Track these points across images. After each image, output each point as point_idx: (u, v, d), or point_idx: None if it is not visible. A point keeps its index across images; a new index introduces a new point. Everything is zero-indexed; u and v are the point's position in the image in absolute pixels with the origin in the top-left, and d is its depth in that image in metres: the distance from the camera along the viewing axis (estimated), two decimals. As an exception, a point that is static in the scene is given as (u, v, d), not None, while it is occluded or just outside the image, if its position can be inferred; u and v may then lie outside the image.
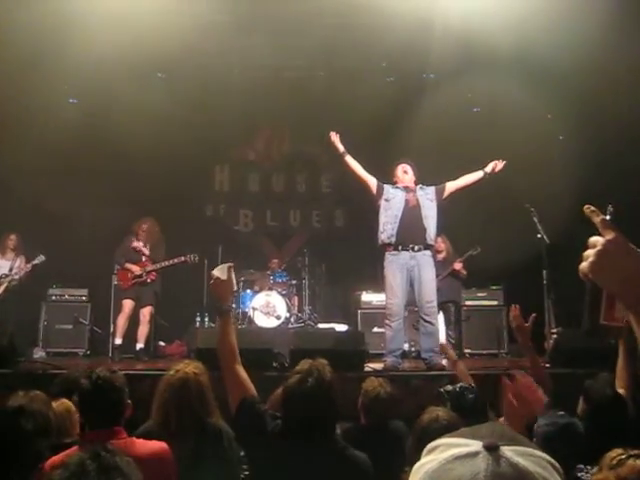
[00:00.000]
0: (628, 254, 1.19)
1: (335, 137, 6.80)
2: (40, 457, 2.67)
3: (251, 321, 8.91)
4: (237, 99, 9.70)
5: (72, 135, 8.90)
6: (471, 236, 8.92)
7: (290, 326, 8.96)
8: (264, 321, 8.87)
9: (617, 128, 8.25)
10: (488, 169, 6.75)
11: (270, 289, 9.23)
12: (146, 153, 8.89)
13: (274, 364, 6.11)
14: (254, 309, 8.94)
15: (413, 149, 8.44)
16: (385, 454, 3.06)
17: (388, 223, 6.58)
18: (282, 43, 8.79)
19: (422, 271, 6.49)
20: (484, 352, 8.63)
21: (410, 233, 6.53)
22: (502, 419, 2.08)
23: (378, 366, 6.36)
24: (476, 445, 0.91)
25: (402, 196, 6.66)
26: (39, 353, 8.28)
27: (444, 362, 6.87)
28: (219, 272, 2.89)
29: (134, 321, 8.14)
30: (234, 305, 8.89)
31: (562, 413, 3.40)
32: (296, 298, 9.58)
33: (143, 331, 8.11)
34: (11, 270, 8.56)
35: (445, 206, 6.87)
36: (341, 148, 6.77)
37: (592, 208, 1.25)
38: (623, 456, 2.06)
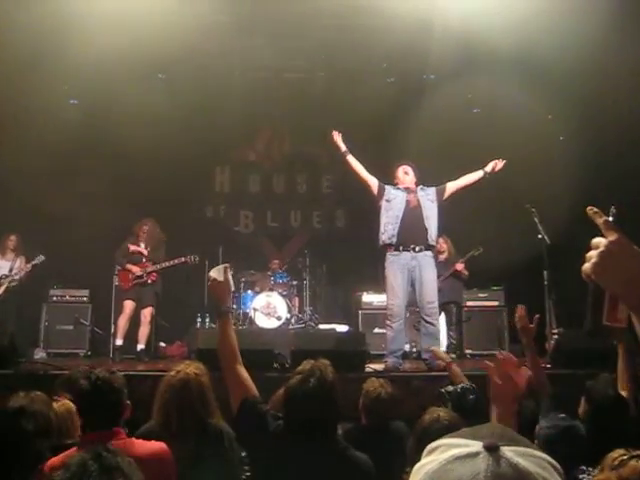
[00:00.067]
0: (631, 255, 1.19)
1: (337, 136, 6.80)
2: (41, 458, 2.67)
3: (252, 322, 8.91)
4: (237, 100, 9.70)
5: (72, 136, 8.91)
6: (472, 237, 8.92)
7: (291, 327, 8.96)
8: (265, 322, 8.87)
9: (618, 129, 8.25)
10: (488, 168, 6.75)
11: (271, 290, 9.23)
12: (146, 154, 8.89)
13: (275, 365, 6.11)
14: (255, 310, 8.94)
15: (413, 150, 8.44)
16: (386, 455, 3.06)
17: (389, 224, 6.58)
18: (282, 44, 8.79)
19: (423, 272, 6.49)
20: (485, 353, 8.60)
21: (411, 234, 6.53)
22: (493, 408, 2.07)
23: (379, 367, 6.36)
24: (476, 445, 0.91)
25: (403, 197, 6.66)
26: (40, 354, 8.28)
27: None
28: (216, 273, 2.89)
29: (135, 322, 8.14)
30: (234, 306, 8.90)
31: (563, 415, 3.40)
32: (297, 299, 9.59)
33: (144, 332, 8.11)
34: (11, 270, 8.57)
35: (447, 207, 6.87)
36: (343, 147, 6.78)
37: (595, 209, 1.25)
38: (625, 457, 2.06)
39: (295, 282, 9.65)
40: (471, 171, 6.84)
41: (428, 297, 6.50)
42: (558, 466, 0.93)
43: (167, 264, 8.25)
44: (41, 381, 4.69)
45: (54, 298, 9.16)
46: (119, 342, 8.06)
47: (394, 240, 6.52)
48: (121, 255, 8.34)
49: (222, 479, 3.13)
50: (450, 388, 3.71)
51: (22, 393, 3.00)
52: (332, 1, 7.96)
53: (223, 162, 11.41)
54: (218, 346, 2.86)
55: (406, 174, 6.89)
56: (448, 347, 8.70)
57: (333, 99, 9.75)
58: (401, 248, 6.52)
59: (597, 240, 1.21)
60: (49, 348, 8.59)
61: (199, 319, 9.37)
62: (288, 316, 9.03)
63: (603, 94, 8.09)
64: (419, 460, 0.97)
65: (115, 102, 8.99)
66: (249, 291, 9.40)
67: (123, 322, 8.08)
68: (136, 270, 8.19)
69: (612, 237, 1.20)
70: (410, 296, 6.63)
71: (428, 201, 6.69)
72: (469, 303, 9.07)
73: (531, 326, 3.95)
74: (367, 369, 6.16)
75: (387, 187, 6.78)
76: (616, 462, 2.06)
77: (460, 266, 8.81)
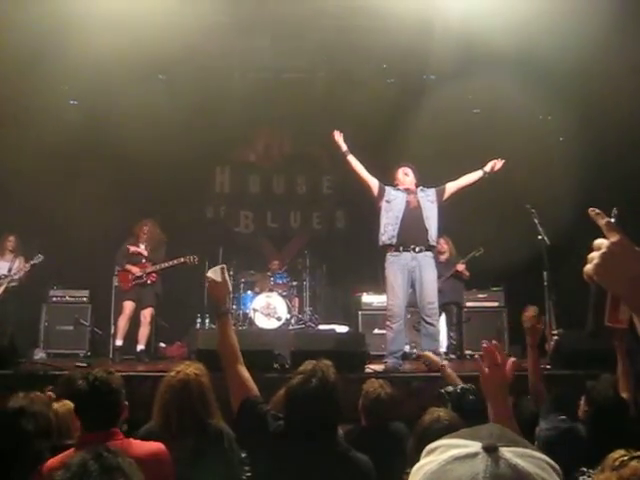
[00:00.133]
0: (633, 256, 1.20)
1: (338, 136, 6.80)
2: (40, 458, 2.67)
3: (252, 322, 8.92)
4: (237, 101, 9.70)
5: (72, 137, 8.91)
6: (472, 237, 8.92)
7: (291, 327, 8.96)
8: (265, 322, 8.87)
9: (619, 130, 8.24)
10: (487, 168, 6.76)
11: (271, 290, 9.24)
12: (146, 155, 8.88)
13: (275, 365, 6.11)
14: (255, 310, 8.94)
15: (413, 150, 8.45)
16: (386, 455, 3.06)
17: (389, 224, 6.58)
18: (282, 45, 8.80)
19: (423, 272, 6.50)
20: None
21: (411, 234, 6.53)
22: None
23: (379, 367, 6.37)
24: (475, 446, 0.91)
25: (403, 198, 6.67)
26: (40, 354, 8.28)
27: (445, 363, 6.87)
28: (213, 274, 2.89)
29: (135, 322, 8.14)
30: (234, 306, 8.91)
31: (564, 417, 3.41)
32: (297, 299, 9.59)
33: (144, 332, 8.11)
34: (10, 271, 8.57)
35: (447, 207, 6.88)
36: (344, 147, 6.78)
37: (597, 211, 1.26)
38: (626, 457, 2.06)
39: (295, 283, 9.66)
40: (471, 171, 6.85)
41: (428, 298, 6.50)
42: (557, 467, 0.93)
43: (166, 265, 8.25)
44: (41, 382, 4.69)
45: (54, 298, 9.16)
46: (119, 343, 8.06)
47: (394, 241, 6.52)
48: (121, 256, 8.34)
49: (222, 479, 3.12)
50: (450, 389, 3.71)
51: (22, 394, 3.00)
52: (332, 2, 7.96)
53: (223, 163, 11.41)
54: (218, 347, 2.86)
55: (406, 175, 6.90)
56: (448, 348, 8.70)
57: (333, 100, 9.74)
58: (401, 249, 6.52)
59: (599, 241, 1.22)
60: (49, 348, 8.59)
61: (199, 320, 9.37)
62: (288, 317, 9.03)
63: (604, 95, 8.08)
64: (419, 460, 0.97)
65: (115, 103, 9.00)
66: (249, 292, 9.40)
67: (123, 323, 8.08)
68: (136, 271, 8.19)
69: (614, 238, 1.20)
70: (410, 297, 6.63)
71: (428, 202, 6.70)
72: (469, 304, 9.08)
73: (539, 326, 3.95)
74: (367, 370, 6.16)
75: (387, 188, 6.78)
76: (617, 463, 2.06)
77: (461, 267, 8.82)
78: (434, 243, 6.71)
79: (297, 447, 2.60)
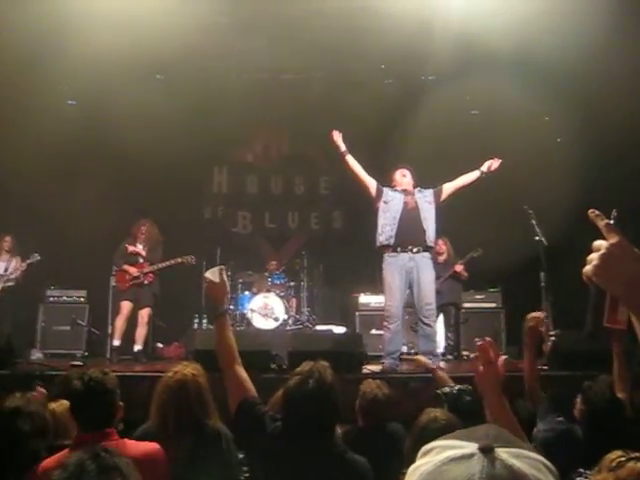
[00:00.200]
0: (632, 258, 1.20)
1: (337, 135, 6.80)
2: (37, 458, 2.67)
3: (249, 323, 8.91)
4: (235, 101, 9.69)
5: (70, 137, 8.90)
6: (470, 238, 8.93)
7: (288, 328, 8.96)
8: (262, 323, 8.87)
9: (618, 131, 8.25)
10: (484, 168, 6.76)
11: (268, 291, 9.23)
12: (144, 155, 8.88)
13: (272, 366, 6.11)
14: (252, 311, 8.94)
15: (411, 151, 8.45)
16: (383, 456, 3.06)
17: (387, 225, 6.58)
18: (280, 45, 8.78)
19: (421, 273, 6.49)
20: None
21: (409, 235, 6.53)
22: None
23: (376, 368, 6.37)
24: (471, 447, 0.91)
25: (401, 198, 6.67)
26: (36, 354, 8.27)
27: (442, 364, 6.90)
28: (211, 275, 2.89)
29: (132, 323, 8.13)
30: (232, 307, 8.90)
31: (561, 419, 3.41)
32: (294, 300, 9.58)
33: (141, 333, 8.10)
34: (6, 271, 8.57)
35: (445, 208, 6.88)
36: (342, 147, 6.77)
37: (596, 212, 1.26)
38: (623, 458, 2.06)
39: (292, 283, 9.66)
40: (468, 172, 6.85)
41: (426, 298, 6.50)
42: (553, 468, 0.93)
43: (164, 265, 8.24)
44: (38, 382, 4.68)
45: (51, 299, 9.16)
46: (116, 343, 8.05)
47: (392, 241, 6.52)
48: (119, 256, 8.34)
49: (219, 480, 3.13)
50: (446, 389, 3.72)
51: (18, 394, 3.00)
52: (330, 2, 7.96)
53: (221, 163, 11.41)
54: (216, 347, 2.85)
55: (404, 176, 6.90)
56: (446, 348, 8.71)
57: (331, 100, 9.74)
58: (399, 249, 6.52)
59: (598, 243, 1.22)
60: (46, 349, 8.58)
61: (196, 320, 9.37)
62: (285, 317, 9.02)
63: (604, 95, 8.09)
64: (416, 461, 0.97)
65: (113, 103, 8.97)
66: (246, 292, 9.39)
67: (120, 323, 8.07)
68: (133, 271, 8.18)
69: (613, 239, 1.21)
70: (408, 297, 6.64)
71: (426, 203, 6.70)
72: (466, 305, 9.09)
73: (540, 328, 3.95)
74: (364, 370, 6.16)
75: (385, 189, 6.78)
76: (614, 463, 2.06)
77: (459, 267, 8.83)
78: (432, 244, 6.71)
79: (294, 448, 2.59)
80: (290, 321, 9.16)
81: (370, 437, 3.77)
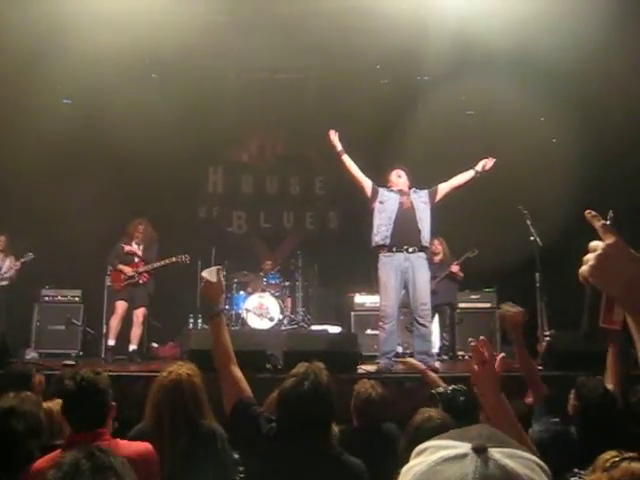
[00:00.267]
0: (628, 258, 1.21)
1: (334, 135, 6.80)
2: (30, 458, 2.66)
3: (244, 323, 8.91)
4: (231, 101, 9.69)
5: (66, 136, 8.89)
6: (466, 238, 8.94)
7: (283, 328, 8.96)
8: (257, 323, 8.87)
9: (616, 132, 8.26)
10: (478, 167, 6.78)
11: (263, 291, 9.23)
12: (139, 154, 8.87)
13: (267, 366, 6.11)
14: (247, 311, 8.93)
15: (407, 151, 8.45)
16: (378, 456, 3.06)
17: (382, 225, 6.59)
18: (276, 45, 8.78)
19: (416, 273, 6.50)
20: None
21: (404, 235, 6.54)
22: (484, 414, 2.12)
23: (371, 368, 6.37)
24: (464, 447, 0.91)
25: (396, 199, 6.67)
26: (31, 354, 8.26)
27: (437, 364, 6.90)
28: (208, 274, 2.88)
29: (127, 322, 8.12)
30: (227, 307, 8.89)
31: (557, 420, 3.42)
32: (289, 300, 9.58)
33: (136, 332, 8.09)
34: (0, 270, 8.55)
35: (441, 209, 6.88)
36: (339, 146, 6.77)
37: (593, 213, 1.27)
38: (617, 459, 2.06)
39: (287, 283, 9.66)
40: (463, 172, 6.86)
41: (421, 299, 6.50)
42: (546, 467, 0.93)
43: (158, 264, 8.23)
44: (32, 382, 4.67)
45: (46, 298, 9.14)
46: (111, 343, 8.03)
47: (387, 241, 6.52)
48: (113, 256, 8.32)
49: (214, 479, 3.12)
50: (440, 390, 3.72)
51: (12, 393, 2.99)
52: (326, 3, 7.96)
53: (216, 163, 11.41)
54: (212, 347, 2.85)
55: (399, 177, 6.91)
56: (441, 349, 8.72)
57: (327, 100, 9.75)
58: (394, 249, 6.52)
59: (595, 243, 1.23)
60: (40, 348, 8.57)
61: (191, 320, 9.37)
62: (280, 317, 9.02)
63: (602, 96, 8.10)
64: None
65: (109, 102, 8.95)
66: (241, 292, 9.39)
67: (115, 323, 8.06)
68: (128, 271, 8.16)
69: (609, 240, 1.21)
70: (403, 298, 6.64)
71: (421, 203, 6.71)
72: (461, 305, 9.10)
73: (521, 319, 3.91)
74: (359, 370, 6.16)
75: (380, 189, 6.78)
76: (608, 464, 2.06)
77: (455, 268, 8.83)
78: (427, 244, 6.72)
79: (289, 450, 2.58)
80: (285, 321, 9.16)
81: (365, 437, 3.77)
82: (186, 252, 8.32)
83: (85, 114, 9.45)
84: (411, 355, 7.05)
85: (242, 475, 3.13)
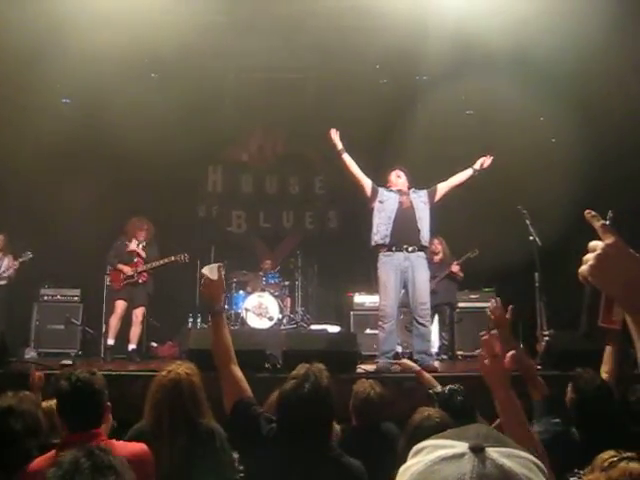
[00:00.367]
0: (627, 258, 1.21)
1: (334, 133, 6.79)
2: (28, 457, 2.66)
3: (243, 322, 8.91)
4: (230, 100, 9.70)
5: (65, 135, 8.88)
6: (465, 238, 8.93)
7: (282, 327, 8.96)
8: (256, 322, 8.87)
9: (617, 131, 8.25)
10: (477, 166, 6.77)
11: (263, 290, 9.23)
12: (139, 153, 8.86)
13: (266, 365, 6.10)
14: (247, 310, 8.93)
15: (406, 151, 8.46)
16: (377, 455, 3.06)
17: (382, 224, 6.59)
18: (275, 45, 8.78)
19: (416, 272, 6.50)
20: (476, 354, 8.61)
21: (404, 234, 6.53)
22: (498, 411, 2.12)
23: (370, 368, 6.37)
24: (462, 447, 0.91)
25: (396, 198, 6.67)
26: (30, 353, 8.26)
27: (436, 364, 6.90)
28: (208, 271, 2.85)
29: (126, 322, 8.12)
30: (226, 306, 8.89)
31: (557, 420, 3.42)
32: (289, 299, 9.58)
33: (135, 332, 8.10)
34: (-1, 269, 8.58)
35: (442, 209, 6.88)
36: (339, 145, 6.76)
37: (592, 213, 1.27)
38: (615, 458, 2.06)
39: (287, 282, 9.66)
40: (462, 171, 6.86)
41: (421, 298, 6.50)
42: (543, 467, 0.93)
43: (157, 264, 8.23)
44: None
45: (45, 297, 9.14)
46: (110, 342, 8.04)
47: (387, 240, 6.52)
48: (112, 255, 8.32)
49: (213, 479, 3.12)
50: (438, 389, 3.73)
51: (10, 393, 2.99)
52: (325, 2, 7.96)
53: (216, 162, 11.41)
54: (213, 346, 2.84)
55: (398, 177, 6.91)
56: (440, 348, 8.72)
57: (326, 100, 9.74)
58: (394, 248, 6.52)
59: (594, 243, 1.23)
60: (40, 348, 8.58)
61: (190, 319, 9.36)
62: (280, 316, 9.02)
63: (602, 96, 8.09)
64: None
65: (108, 101, 8.94)
66: (241, 291, 9.39)
67: (114, 322, 8.06)
68: (127, 270, 8.16)
69: (609, 240, 1.21)
70: (402, 297, 6.64)
71: (421, 203, 6.71)
72: (461, 304, 9.10)
73: (507, 316, 3.90)
74: (358, 370, 6.16)
75: (380, 189, 6.78)
76: (606, 463, 2.06)
77: (456, 268, 8.83)
78: (426, 243, 6.71)
79: (289, 451, 2.58)
80: (284, 320, 9.16)
81: (364, 436, 3.77)
82: (185, 251, 8.30)
83: (84, 113, 9.44)
84: (410, 355, 7.06)
85: (241, 475, 3.13)
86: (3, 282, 8.59)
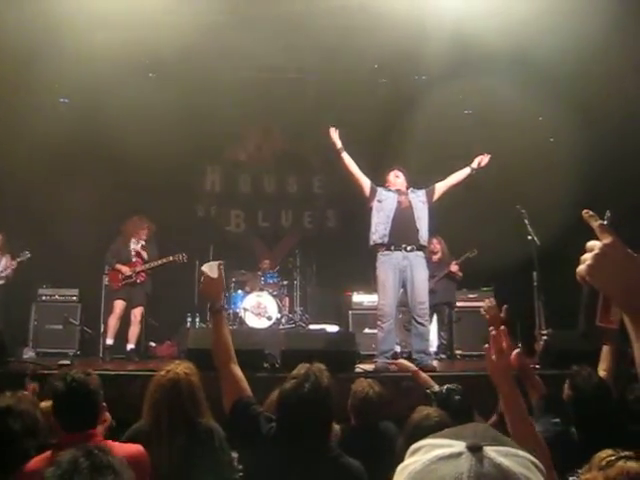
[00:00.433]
0: (625, 258, 1.21)
1: (334, 132, 6.79)
2: (27, 457, 2.66)
3: (242, 322, 8.91)
4: (229, 100, 9.67)
5: (63, 135, 8.86)
6: (464, 238, 8.94)
7: (281, 327, 8.96)
8: (255, 322, 8.87)
9: (616, 132, 8.25)
10: (474, 164, 6.78)
11: (261, 290, 9.23)
12: (137, 153, 8.84)
13: (265, 365, 6.10)
14: (245, 310, 8.93)
15: (405, 149, 8.45)
16: (375, 455, 3.06)
17: (380, 224, 6.59)
18: (274, 44, 8.77)
19: (415, 272, 6.50)
20: (475, 353, 8.64)
21: (403, 234, 6.54)
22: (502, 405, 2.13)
23: (369, 367, 6.37)
24: (459, 446, 0.91)
25: (394, 198, 6.68)
26: (29, 353, 8.25)
27: (435, 363, 6.91)
28: (208, 269, 2.83)
29: (125, 322, 8.12)
30: (225, 306, 8.88)
31: (557, 420, 3.42)
32: (287, 299, 9.58)
33: (134, 332, 8.10)
34: (-4, 268, 8.57)
35: (440, 208, 6.88)
36: (339, 144, 6.76)
37: (590, 213, 1.27)
38: (613, 457, 2.06)
39: (285, 282, 9.65)
40: (459, 170, 6.86)
41: (419, 297, 6.50)
42: (541, 466, 0.93)
43: (156, 264, 8.23)
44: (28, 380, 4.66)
45: (43, 297, 9.13)
46: (109, 342, 8.04)
47: (386, 240, 6.52)
48: (111, 255, 8.32)
49: (212, 479, 3.12)
50: (436, 389, 3.73)
51: (9, 393, 2.99)
52: (324, 2, 7.95)
53: (214, 161, 11.40)
54: (212, 345, 2.84)
55: (397, 177, 6.92)
56: (439, 347, 8.73)
57: (325, 99, 9.74)
58: (393, 248, 6.52)
59: (592, 243, 1.23)
60: (38, 348, 8.56)
61: (189, 319, 9.35)
62: (278, 316, 9.02)
63: (602, 97, 8.09)
64: None
65: (106, 101, 8.93)
66: (239, 291, 9.38)
67: (113, 322, 8.06)
68: (125, 270, 8.16)
69: (607, 240, 1.22)
70: (401, 296, 6.64)
71: (420, 202, 6.72)
72: (459, 304, 9.11)
73: (501, 315, 3.89)
74: (357, 369, 6.16)
75: (379, 188, 6.78)
76: (604, 462, 2.06)
77: (455, 267, 8.84)
78: (425, 243, 6.72)
79: (289, 451, 2.58)
80: (283, 320, 9.16)
81: (362, 436, 3.77)
82: (184, 251, 8.31)
83: (82, 113, 9.42)
84: (409, 354, 7.06)
85: (241, 474, 3.13)
86: (1, 282, 8.58)
